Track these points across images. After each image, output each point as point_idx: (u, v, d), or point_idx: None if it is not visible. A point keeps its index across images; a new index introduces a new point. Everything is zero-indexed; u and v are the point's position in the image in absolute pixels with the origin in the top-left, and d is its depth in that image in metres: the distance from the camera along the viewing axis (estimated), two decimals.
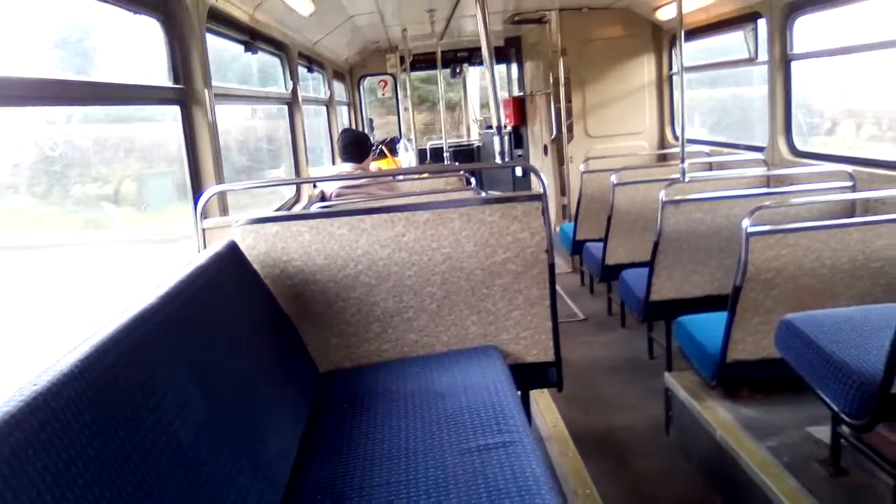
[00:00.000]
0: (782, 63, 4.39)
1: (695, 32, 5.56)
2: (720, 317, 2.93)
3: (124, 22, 2.56)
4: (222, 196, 2.85)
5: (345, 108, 8.24)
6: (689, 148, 4.00)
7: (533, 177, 7.36)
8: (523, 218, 2.55)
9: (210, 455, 1.50)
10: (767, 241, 2.77)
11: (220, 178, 2.83)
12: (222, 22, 3.34)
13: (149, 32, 2.69)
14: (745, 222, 2.74)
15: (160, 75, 2.74)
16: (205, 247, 2.48)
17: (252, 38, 3.93)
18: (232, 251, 2.32)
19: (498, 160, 2.83)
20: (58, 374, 1.19)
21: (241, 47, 3.88)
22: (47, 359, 1.26)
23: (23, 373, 1.22)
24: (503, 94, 9.48)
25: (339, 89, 7.77)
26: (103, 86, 2.29)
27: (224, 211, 2.84)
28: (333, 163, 6.65)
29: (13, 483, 0.97)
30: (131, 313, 1.52)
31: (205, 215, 2.53)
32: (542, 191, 2.54)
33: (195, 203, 2.59)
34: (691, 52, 5.81)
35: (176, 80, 2.73)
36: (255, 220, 2.52)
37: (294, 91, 4.94)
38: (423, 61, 7.83)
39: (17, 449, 1.01)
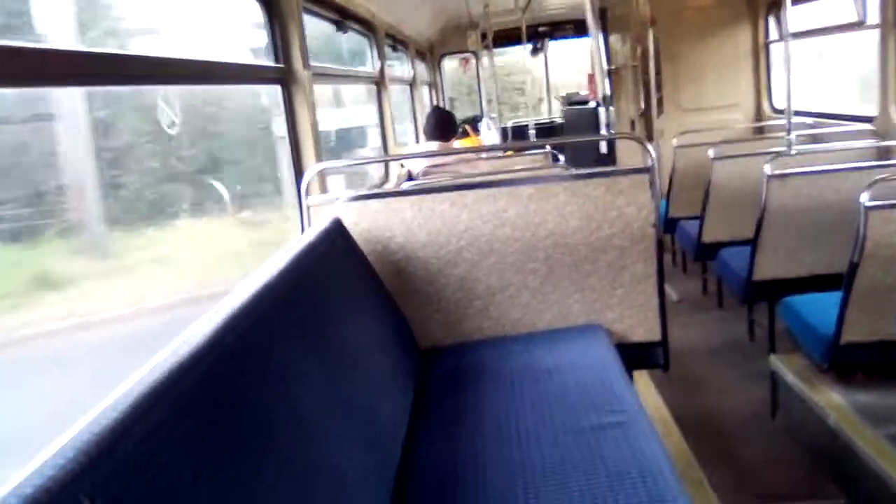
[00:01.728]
0: (895, 25, 4.09)
1: None
2: (832, 297, 2.78)
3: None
4: (321, 174, 2.88)
5: (425, 88, 8.23)
6: (792, 119, 3.80)
7: (622, 151, 7.15)
8: (629, 191, 2.47)
9: (330, 429, 1.52)
10: (888, 215, 2.60)
11: (319, 157, 2.86)
12: (317, 1, 3.36)
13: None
14: (864, 196, 2.58)
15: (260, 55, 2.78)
16: (309, 224, 2.51)
17: (344, 17, 3.95)
18: (337, 227, 2.34)
19: (604, 132, 2.75)
20: (195, 345, 1.22)
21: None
22: (182, 332, 1.30)
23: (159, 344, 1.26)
24: (586, 70, 9.27)
25: (421, 69, 7.76)
26: (210, 64, 2.34)
27: (323, 189, 2.87)
28: (417, 141, 6.65)
29: (161, 452, 1.00)
30: (254, 288, 1.54)
31: (307, 193, 2.56)
32: (649, 163, 2.45)
33: (298, 182, 2.63)
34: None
35: (276, 60, 2.76)
36: (358, 197, 2.53)
37: (382, 71, 4.95)
38: (505, 37, 7.69)
39: (164, 418, 1.04)
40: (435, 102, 8.54)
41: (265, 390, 1.36)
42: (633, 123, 6.95)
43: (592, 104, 8.35)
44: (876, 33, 4.25)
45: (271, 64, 2.74)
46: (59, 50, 1.49)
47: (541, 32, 8.58)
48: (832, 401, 2.72)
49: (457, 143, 6.31)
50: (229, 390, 1.25)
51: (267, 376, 1.39)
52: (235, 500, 1.11)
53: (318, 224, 2.30)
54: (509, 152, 5.75)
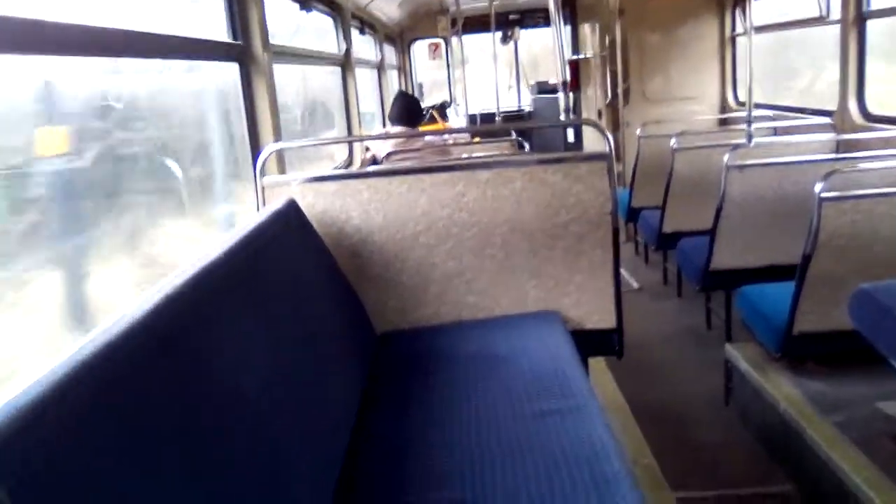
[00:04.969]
0: (856, 21, 4.16)
1: None
2: (786, 287, 2.82)
3: None
4: (279, 154, 2.83)
5: (394, 72, 8.16)
6: (753, 112, 3.84)
7: (589, 140, 7.15)
8: (587, 178, 2.47)
9: (275, 411, 1.50)
10: (841, 206, 2.64)
11: (277, 137, 2.81)
12: None
13: None
14: (818, 187, 2.62)
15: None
16: (264, 205, 2.47)
17: None
18: (292, 209, 2.31)
19: (563, 117, 2.74)
20: (128, 322, 1.18)
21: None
22: (118, 309, 1.26)
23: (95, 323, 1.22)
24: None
25: (389, 53, 7.69)
26: (163, 38, 2.25)
27: (281, 170, 2.83)
28: (384, 126, 6.60)
29: (86, 434, 0.97)
30: (197, 267, 1.51)
31: (263, 173, 2.52)
32: (607, 150, 2.45)
33: (254, 161, 2.58)
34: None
35: (234, 37, 2.70)
36: (315, 179, 2.49)
37: (347, 53, 4.89)
38: (475, 24, 7.66)
39: (90, 399, 1.01)
40: (404, 88, 8.48)
41: (206, 369, 1.33)
42: (599, 113, 6.99)
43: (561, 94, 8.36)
44: (837, 28, 4.31)
45: (229, 41, 2.68)
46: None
47: (511, 20, 8.56)
48: (783, 389, 2.77)
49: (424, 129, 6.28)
50: (168, 368, 1.21)
51: (209, 355, 1.36)
52: (170, 486, 1.08)
53: (272, 205, 2.26)
54: (476, 139, 5.74)
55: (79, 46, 1.77)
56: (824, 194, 2.61)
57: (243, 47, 2.71)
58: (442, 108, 8.07)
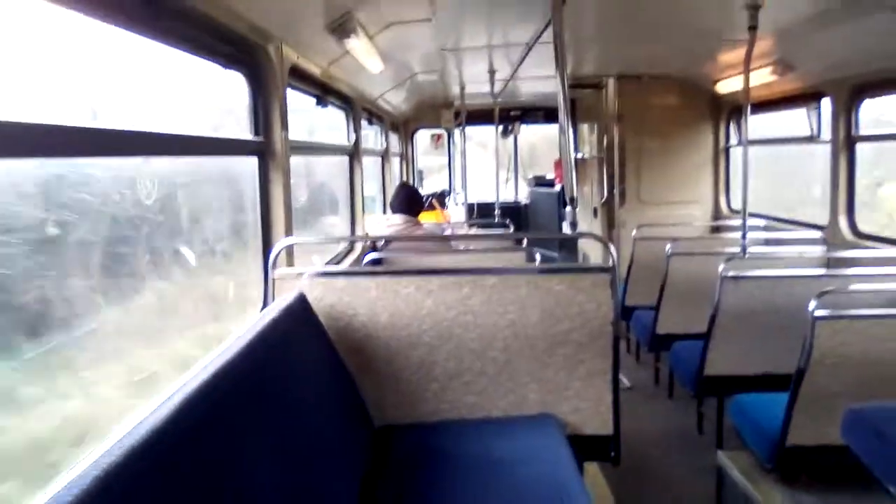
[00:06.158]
0: (846, 143, 4.37)
1: (755, 107, 5.56)
2: (779, 398, 2.86)
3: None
4: (289, 247, 2.91)
5: (397, 159, 8.37)
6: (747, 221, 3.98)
7: (586, 247, 7.24)
8: (591, 289, 2.55)
9: None
10: (834, 326, 2.71)
11: (289, 230, 2.89)
12: (300, 77, 3.45)
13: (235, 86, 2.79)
14: (812, 305, 2.70)
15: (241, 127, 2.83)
16: (273, 297, 2.53)
17: (324, 92, 4.05)
18: (301, 303, 2.37)
19: (567, 230, 2.85)
20: (151, 427, 1.22)
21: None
22: (138, 411, 1.30)
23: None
24: (555, 156, 9.54)
25: (393, 140, 7.92)
26: (189, 138, 2.37)
27: (291, 261, 2.90)
28: (385, 212, 6.74)
29: None
30: (213, 368, 1.55)
31: (274, 266, 2.59)
32: (610, 264, 2.54)
33: (266, 255, 2.65)
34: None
35: (256, 133, 2.82)
36: (324, 273, 2.56)
37: (356, 143, 5.05)
38: (477, 117, 7.94)
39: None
40: (406, 174, 8.69)
41: (220, 478, 1.35)
42: (595, 211, 7.17)
43: (558, 187, 8.58)
44: (827, 148, 4.52)
45: (250, 137, 2.79)
46: (34, 123, 1.46)
47: (513, 116, 8.87)
48: (776, 501, 2.77)
49: (423, 216, 6.41)
50: (185, 478, 1.25)
51: (223, 464, 1.38)
52: None
53: (282, 299, 2.32)
54: (474, 230, 5.86)
55: (115, 148, 1.85)
56: (818, 313, 2.69)
57: (264, 143, 2.83)
58: (441, 197, 8.25)
